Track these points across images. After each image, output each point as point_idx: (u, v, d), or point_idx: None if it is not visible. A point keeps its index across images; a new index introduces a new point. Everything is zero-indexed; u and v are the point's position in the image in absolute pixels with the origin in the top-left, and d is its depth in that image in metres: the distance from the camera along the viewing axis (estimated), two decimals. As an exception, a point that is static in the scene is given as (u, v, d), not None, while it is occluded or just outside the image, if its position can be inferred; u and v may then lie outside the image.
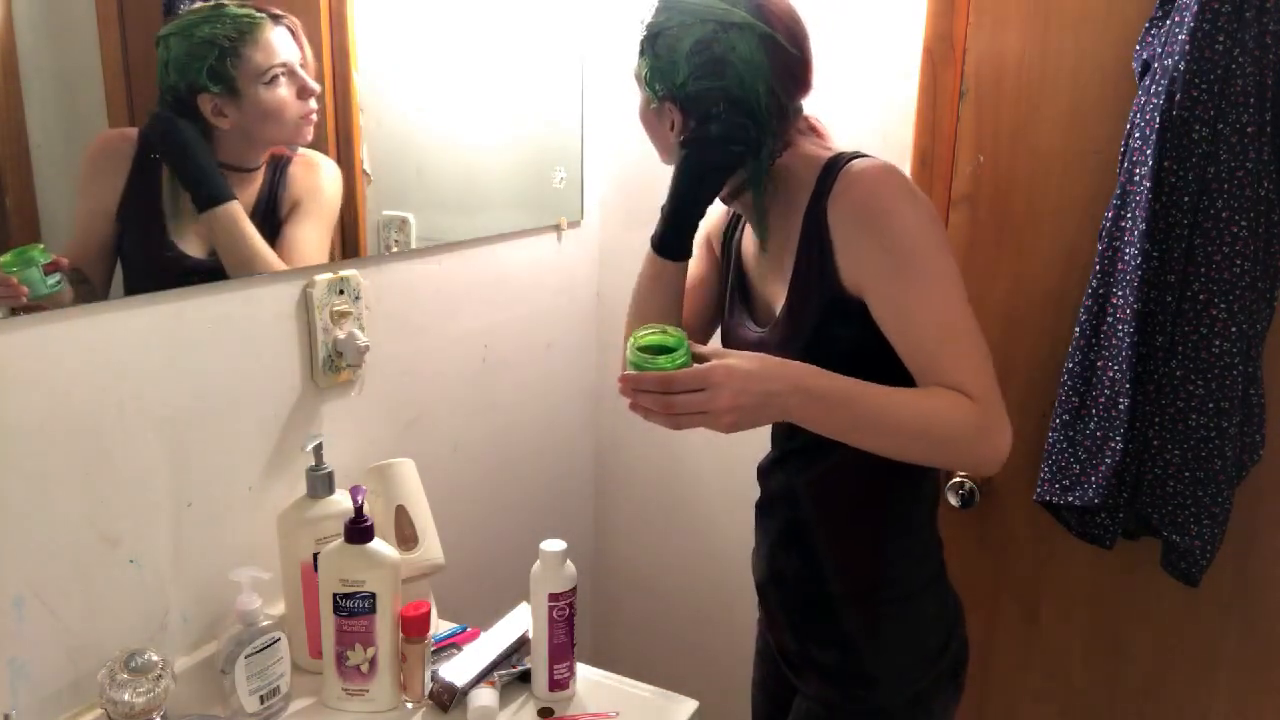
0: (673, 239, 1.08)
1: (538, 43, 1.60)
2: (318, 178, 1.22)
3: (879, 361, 0.97)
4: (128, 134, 1.02)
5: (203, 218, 1.09)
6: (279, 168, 1.17)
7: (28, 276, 0.94)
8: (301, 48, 1.15)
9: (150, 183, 1.04)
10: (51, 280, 0.95)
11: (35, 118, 0.92)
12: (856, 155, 1.01)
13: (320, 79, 1.19)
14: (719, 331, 1.21)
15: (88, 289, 0.99)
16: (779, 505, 1.16)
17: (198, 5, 1.06)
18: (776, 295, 1.07)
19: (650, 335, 0.95)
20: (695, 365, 0.92)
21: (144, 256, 1.06)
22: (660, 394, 0.91)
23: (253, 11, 1.09)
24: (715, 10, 0.98)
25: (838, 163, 1.00)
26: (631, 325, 1.14)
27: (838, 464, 1.06)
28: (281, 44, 1.12)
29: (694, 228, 1.08)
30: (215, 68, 1.06)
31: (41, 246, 0.94)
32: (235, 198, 1.12)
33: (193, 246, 1.09)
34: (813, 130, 1.10)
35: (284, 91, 1.13)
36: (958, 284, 0.97)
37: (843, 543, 1.10)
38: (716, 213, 1.22)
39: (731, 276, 1.18)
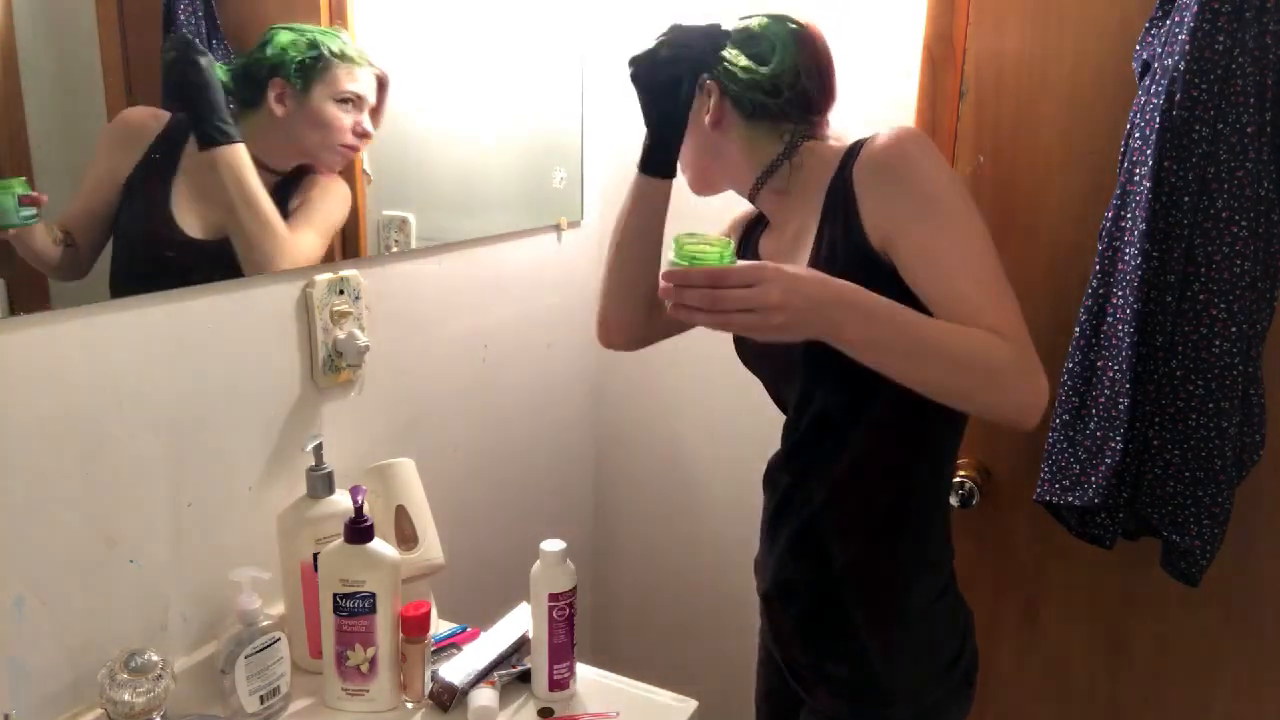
0: (660, 155, 1.11)
1: (538, 43, 1.60)
2: (330, 188, 1.24)
3: None
4: (159, 113, 1.04)
5: (204, 156, 1.09)
6: (299, 173, 1.20)
7: (0, 203, 0.92)
8: (381, 102, 1.25)
9: (168, 160, 1.06)
10: (25, 213, 0.93)
11: (35, 118, 0.92)
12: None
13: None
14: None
15: (72, 254, 0.98)
16: (788, 512, 1.13)
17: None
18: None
19: (693, 238, 0.89)
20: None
21: (143, 230, 1.06)
22: (709, 289, 0.85)
23: (363, 51, 1.22)
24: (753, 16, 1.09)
25: (860, 142, 1.03)
26: (617, 254, 1.19)
27: (851, 469, 1.05)
28: (366, 83, 1.23)
29: (675, 142, 1.11)
30: (306, 64, 1.15)
31: (23, 180, 0.93)
32: (242, 141, 1.12)
33: (193, 227, 1.09)
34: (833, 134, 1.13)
35: (345, 116, 1.20)
36: (985, 232, 0.96)
37: (860, 551, 1.08)
38: (740, 209, 1.25)
39: None
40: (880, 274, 0.97)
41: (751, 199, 1.15)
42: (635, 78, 1.08)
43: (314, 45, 1.16)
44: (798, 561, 1.12)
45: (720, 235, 0.93)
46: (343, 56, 1.19)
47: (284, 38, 1.14)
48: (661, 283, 0.88)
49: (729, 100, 1.09)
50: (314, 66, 1.16)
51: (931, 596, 1.10)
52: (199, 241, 1.10)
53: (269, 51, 1.13)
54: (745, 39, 1.08)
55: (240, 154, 1.11)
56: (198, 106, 1.07)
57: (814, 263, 1.02)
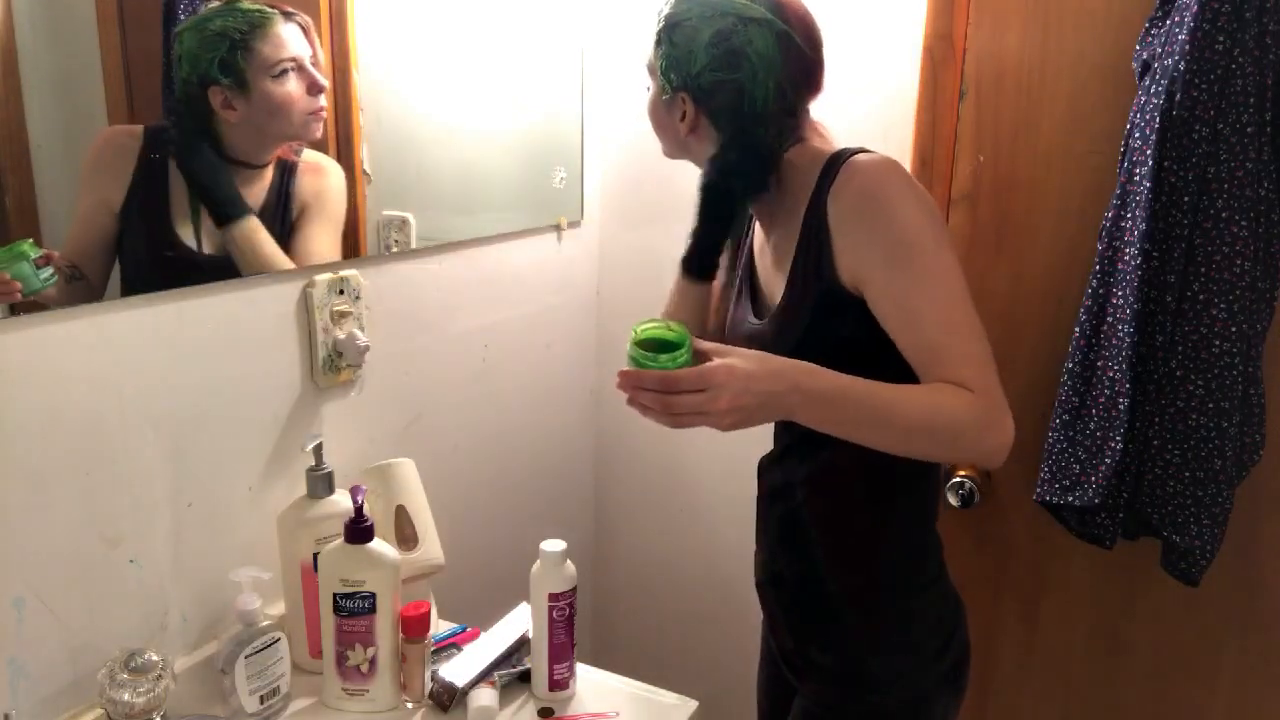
0: (694, 260, 1.13)
1: (538, 43, 1.60)
2: (325, 181, 1.22)
3: (874, 358, 0.97)
4: (133, 130, 1.02)
5: (220, 233, 1.12)
6: (286, 170, 1.18)
7: (19, 271, 0.93)
8: (313, 45, 1.16)
9: (158, 177, 1.05)
10: (44, 274, 0.94)
11: (35, 118, 0.92)
12: (859, 151, 1.01)
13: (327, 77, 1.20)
14: (727, 322, 1.21)
15: (83, 286, 0.99)
16: (777, 503, 1.16)
17: (213, 3, 1.07)
18: (777, 289, 1.07)
19: (652, 329, 0.94)
20: (697, 366, 0.91)
21: (148, 252, 1.06)
22: (660, 393, 0.90)
23: (264, 8, 1.10)
24: (735, 4, 1.00)
25: (839, 158, 1.01)
26: None
27: (836, 461, 1.06)
28: (292, 39, 1.13)
29: (715, 250, 1.11)
30: (226, 60, 1.08)
31: (30, 241, 0.93)
32: (252, 211, 1.14)
33: (198, 241, 1.09)
34: (815, 132, 1.11)
35: (292, 86, 1.14)
36: (958, 277, 0.96)
37: (841, 542, 1.10)
38: None
39: (742, 269, 1.18)
40: (849, 311, 0.98)
41: None
42: (708, 188, 1.07)
43: (221, 36, 1.07)
44: (786, 552, 1.15)
45: (679, 325, 0.94)
46: (253, 27, 1.09)
47: (189, 43, 1.06)
48: (617, 378, 0.91)
49: (705, 115, 1.05)
50: (234, 57, 1.08)
51: (916, 587, 1.11)
52: (210, 256, 1.10)
53: (185, 66, 1.06)
54: (725, 55, 1.00)
55: (252, 226, 1.14)
56: (204, 195, 1.09)
57: (788, 291, 1.04)
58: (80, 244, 0.99)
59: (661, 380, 0.89)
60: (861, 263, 0.97)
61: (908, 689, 1.11)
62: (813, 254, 1.00)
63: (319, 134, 1.19)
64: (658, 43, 1.05)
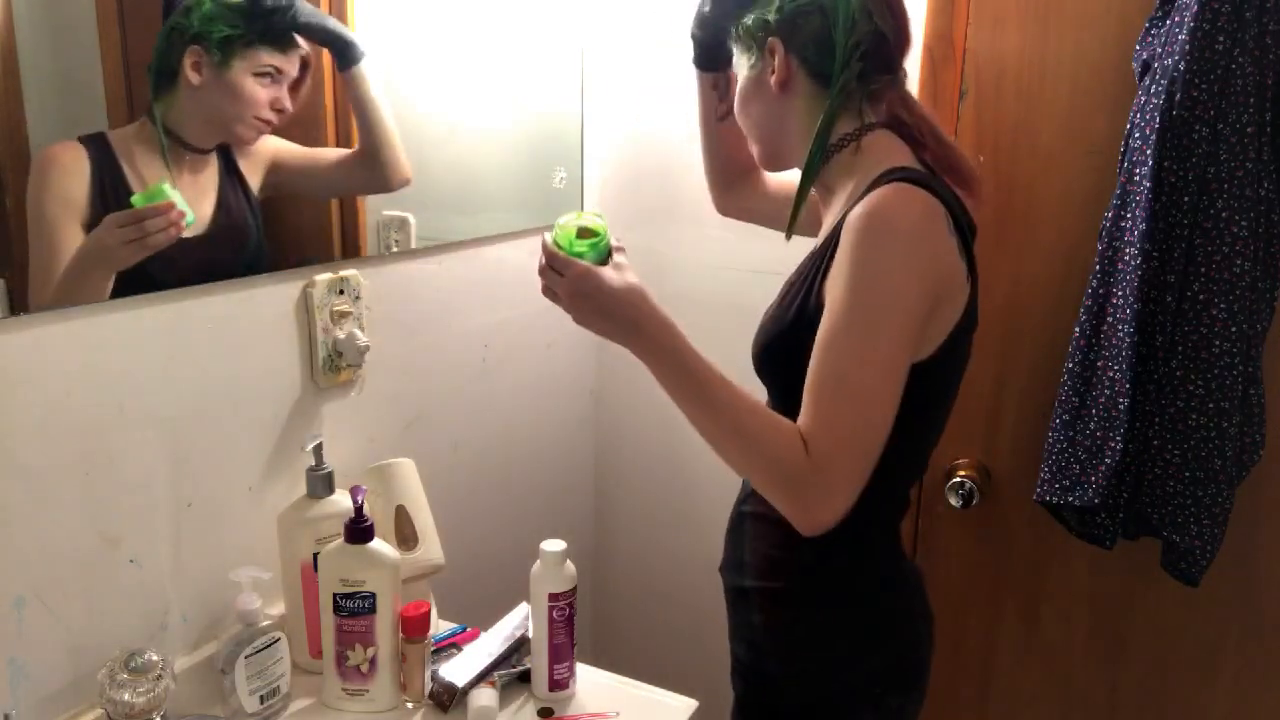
0: (697, 51, 1.21)
1: (538, 43, 1.60)
2: (272, 140, 1.19)
3: None
4: (69, 145, 0.98)
5: (347, 75, 1.22)
6: (229, 155, 1.15)
7: (182, 201, 1.00)
8: (302, 79, 1.18)
9: (114, 179, 1.01)
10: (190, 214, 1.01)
11: (35, 118, 0.92)
12: (905, 177, 0.96)
13: (319, 78, 1.20)
14: None
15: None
16: (740, 496, 1.17)
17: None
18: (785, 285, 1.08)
19: (588, 219, 1.05)
20: (586, 260, 1.01)
21: None
22: (543, 261, 1.03)
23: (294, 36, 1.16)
24: None
25: (886, 177, 0.97)
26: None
27: None
28: (289, 60, 1.16)
29: (713, 43, 1.15)
30: (230, 39, 1.09)
31: (166, 179, 0.99)
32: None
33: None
34: (911, 126, 1.05)
35: (262, 90, 1.14)
36: (891, 347, 0.91)
37: (766, 544, 1.09)
38: None
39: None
40: (813, 330, 0.95)
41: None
42: None
43: (237, 16, 1.09)
44: (730, 544, 1.16)
45: (603, 225, 1.05)
46: (274, 21, 1.12)
47: (214, 7, 1.07)
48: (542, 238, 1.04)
49: (795, 57, 1.02)
50: (237, 42, 1.09)
51: (843, 592, 1.07)
52: (186, 240, 1.07)
53: (194, 19, 1.06)
54: None
55: (367, 70, 1.23)
56: (327, 37, 1.18)
57: (788, 287, 1.05)
58: (56, 264, 0.96)
59: (547, 251, 1.03)
60: (831, 285, 0.94)
61: (809, 692, 1.07)
62: (818, 261, 1.00)
63: (251, 143, 1.16)
64: (739, 8, 1.06)
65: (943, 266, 0.95)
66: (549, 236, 1.04)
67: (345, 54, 1.21)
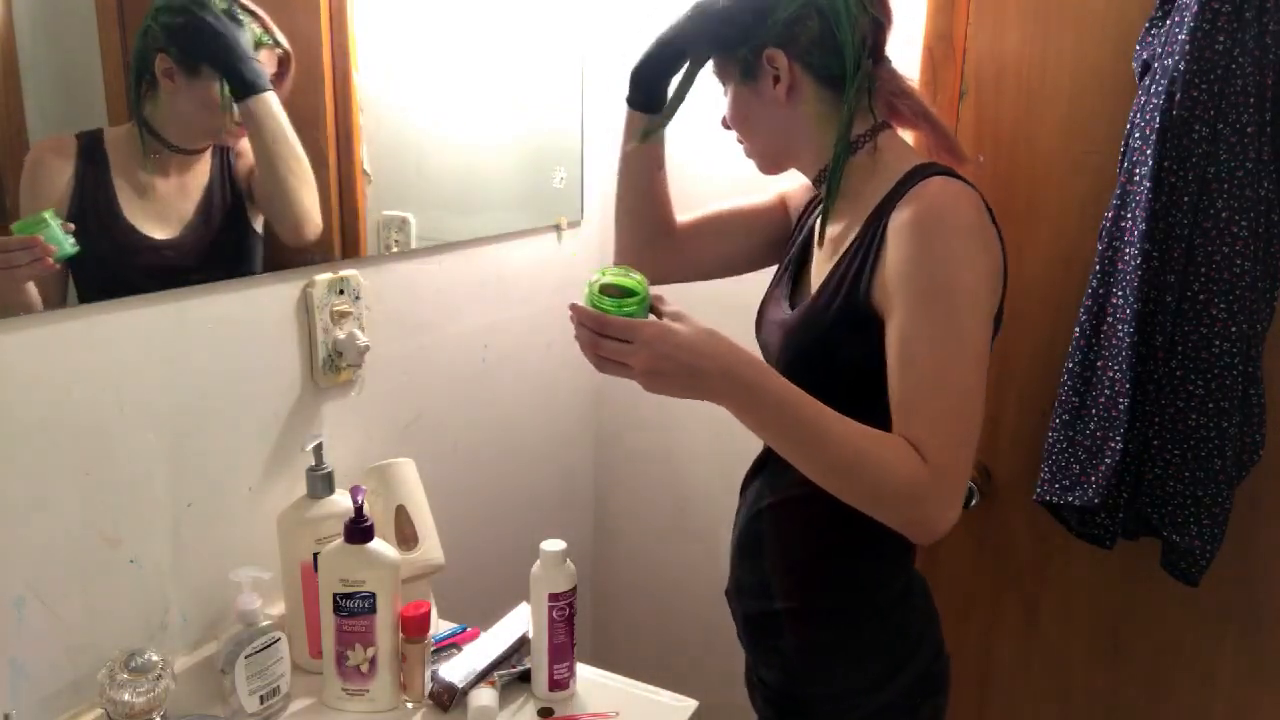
0: (630, 89, 1.13)
1: (538, 42, 1.60)
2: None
3: (876, 385, 0.93)
4: (62, 140, 0.98)
5: (242, 106, 1.10)
6: (225, 156, 1.14)
7: (52, 235, 0.94)
8: (283, 78, 1.15)
9: (100, 177, 1.01)
10: (70, 240, 0.95)
11: (35, 118, 0.92)
12: (944, 171, 0.97)
13: (318, 75, 1.19)
14: (762, 300, 1.17)
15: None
16: (747, 511, 1.14)
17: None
18: (818, 282, 1.04)
19: (614, 276, 0.94)
20: (641, 318, 0.91)
21: (107, 245, 1.02)
22: (592, 332, 0.91)
23: (259, 33, 1.11)
24: None
25: (921, 172, 0.96)
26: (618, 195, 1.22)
27: (801, 479, 0.97)
28: (265, 60, 1.13)
29: (652, 80, 1.10)
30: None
31: (52, 209, 0.93)
32: (272, 88, 1.11)
33: (154, 229, 1.07)
34: (920, 116, 1.05)
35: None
36: (978, 346, 0.91)
37: (790, 561, 1.08)
38: (802, 181, 1.17)
39: (793, 252, 1.15)
40: (868, 330, 0.95)
41: (817, 183, 1.07)
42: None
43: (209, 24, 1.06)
44: (744, 562, 1.14)
45: (641, 276, 0.94)
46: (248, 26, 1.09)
47: (176, 5, 1.04)
48: (569, 309, 0.92)
49: (799, 64, 1.00)
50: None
51: (869, 611, 1.06)
52: (168, 241, 1.07)
53: (159, 23, 1.03)
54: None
55: (274, 100, 1.12)
56: (224, 59, 1.07)
57: (822, 289, 1.01)
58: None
59: (595, 320, 0.90)
60: (894, 287, 0.92)
61: (849, 713, 1.07)
62: (859, 260, 0.97)
63: (235, 146, 1.14)
64: (728, 18, 1.01)
65: (997, 256, 0.96)
66: (591, 304, 0.92)
67: (236, 83, 1.10)
